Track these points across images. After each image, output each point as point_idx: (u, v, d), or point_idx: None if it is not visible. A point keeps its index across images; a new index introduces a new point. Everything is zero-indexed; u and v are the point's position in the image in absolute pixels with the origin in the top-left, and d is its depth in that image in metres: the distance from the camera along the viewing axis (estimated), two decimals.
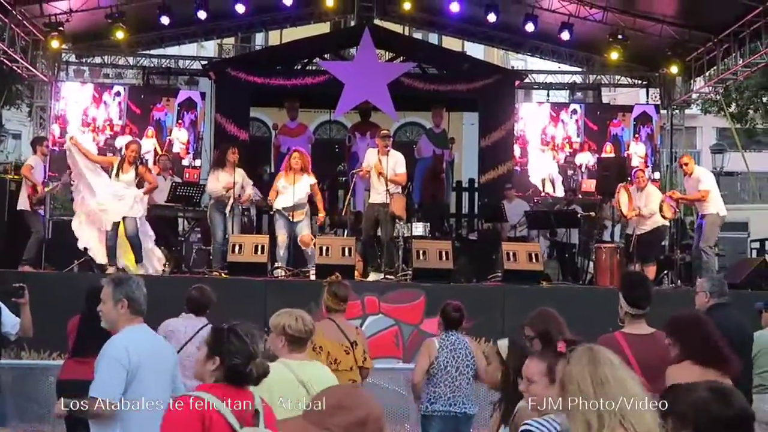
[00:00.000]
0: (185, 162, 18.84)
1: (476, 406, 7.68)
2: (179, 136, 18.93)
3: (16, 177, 14.20)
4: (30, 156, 14.29)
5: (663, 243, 14.66)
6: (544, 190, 19.12)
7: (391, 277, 12.71)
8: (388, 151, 12.88)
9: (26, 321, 7.47)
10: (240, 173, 13.28)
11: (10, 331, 7.51)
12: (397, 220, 13.18)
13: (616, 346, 5.44)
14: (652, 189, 13.84)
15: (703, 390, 2.97)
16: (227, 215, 13.16)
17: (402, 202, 12.99)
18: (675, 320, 5.38)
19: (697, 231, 13.73)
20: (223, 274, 12.61)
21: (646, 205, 13.36)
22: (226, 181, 13.03)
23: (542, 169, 19.46)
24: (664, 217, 13.40)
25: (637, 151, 19.36)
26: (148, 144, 18.13)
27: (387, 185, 12.75)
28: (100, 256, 12.40)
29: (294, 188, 12.78)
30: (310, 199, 13.17)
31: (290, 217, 12.84)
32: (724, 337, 5.39)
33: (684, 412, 2.92)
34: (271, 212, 13.46)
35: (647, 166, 18.81)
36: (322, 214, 13.36)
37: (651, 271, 13.39)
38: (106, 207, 12.25)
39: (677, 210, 14.35)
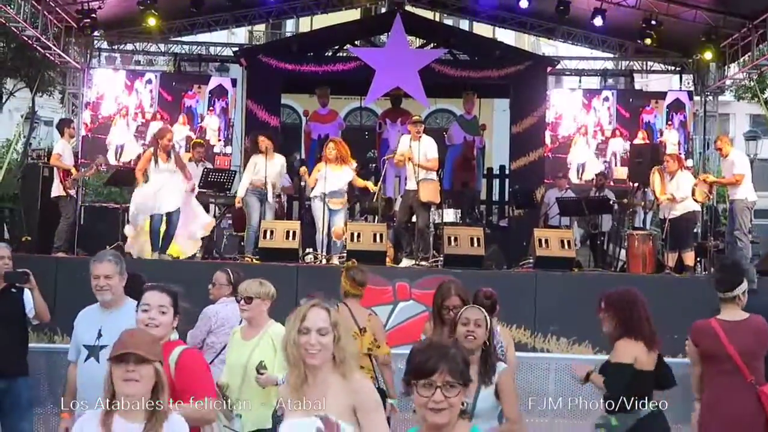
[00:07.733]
0: (216, 149, 18.88)
1: None
2: (211, 123, 18.97)
3: (48, 164, 14.25)
4: (58, 140, 14.34)
5: (695, 230, 14.49)
6: (579, 177, 18.99)
7: (425, 263, 12.66)
8: (420, 137, 12.84)
9: (38, 306, 7.28)
10: (280, 160, 13.29)
11: (28, 315, 7.48)
12: (432, 206, 13.15)
13: (711, 332, 5.64)
14: (684, 173, 13.60)
15: None
16: (264, 202, 13.19)
17: (431, 187, 12.89)
18: (609, 297, 5.74)
19: (729, 217, 13.57)
20: (254, 260, 12.63)
21: (678, 189, 13.20)
22: (263, 168, 13.05)
23: (580, 156, 19.31)
24: (696, 200, 13.22)
25: (670, 138, 19.11)
26: (183, 131, 18.22)
27: (416, 172, 12.71)
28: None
29: (333, 176, 12.74)
30: (352, 190, 13.07)
31: (328, 204, 12.80)
32: None
33: None
34: (307, 201, 13.35)
35: (681, 153, 18.59)
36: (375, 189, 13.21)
37: (689, 258, 13.25)
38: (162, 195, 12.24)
39: (710, 195, 14.13)
